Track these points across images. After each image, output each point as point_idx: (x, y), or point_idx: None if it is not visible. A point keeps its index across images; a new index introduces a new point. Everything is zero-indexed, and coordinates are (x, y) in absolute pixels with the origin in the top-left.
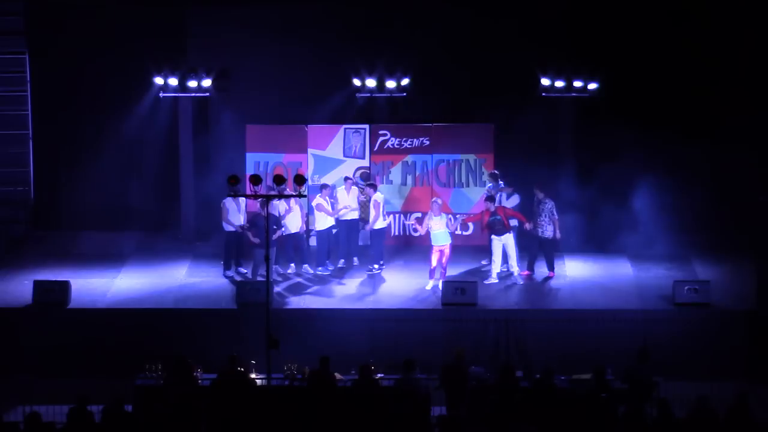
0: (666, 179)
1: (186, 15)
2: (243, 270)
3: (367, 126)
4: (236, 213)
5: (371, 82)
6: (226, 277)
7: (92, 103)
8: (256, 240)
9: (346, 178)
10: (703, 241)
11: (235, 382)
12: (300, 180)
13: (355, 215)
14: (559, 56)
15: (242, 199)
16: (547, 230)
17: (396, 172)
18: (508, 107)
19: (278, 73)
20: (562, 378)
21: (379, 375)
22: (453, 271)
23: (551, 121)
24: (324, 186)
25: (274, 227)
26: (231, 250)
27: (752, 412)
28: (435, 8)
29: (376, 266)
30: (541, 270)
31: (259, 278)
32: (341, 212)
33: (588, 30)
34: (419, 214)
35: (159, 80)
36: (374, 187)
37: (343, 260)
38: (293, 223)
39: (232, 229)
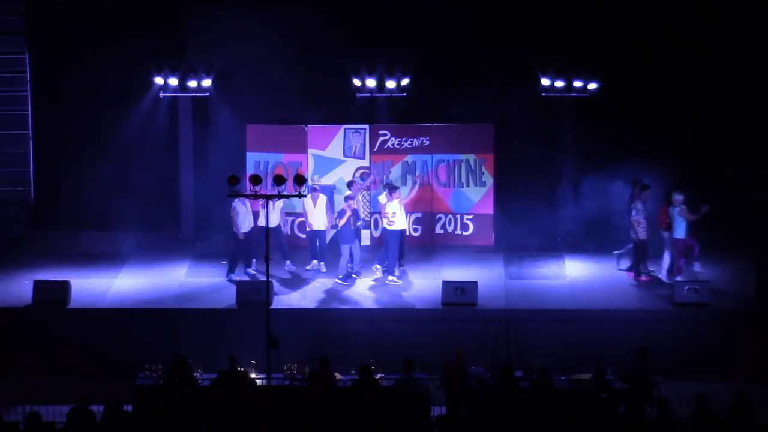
0: (666, 179)
1: (186, 15)
2: (251, 271)
3: (367, 126)
4: (246, 214)
5: (371, 82)
6: (230, 280)
7: (92, 103)
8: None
9: (393, 188)
10: (703, 241)
11: (235, 382)
12: (300, 180)
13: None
14: (559, 56)
15: (248, 201)
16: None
17: (396, 172)
18: (508, 107)
19: (278, 73)
20: (562, 378)
21: (379, 375)
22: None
23: (551, 121)
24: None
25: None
26: (240, 252)
27: (752, 412)
28: (435, 8)
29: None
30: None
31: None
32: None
33: (587, 30)
34: None
35: (159, 80)
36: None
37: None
38: (318, 221)
39: (243, 231)
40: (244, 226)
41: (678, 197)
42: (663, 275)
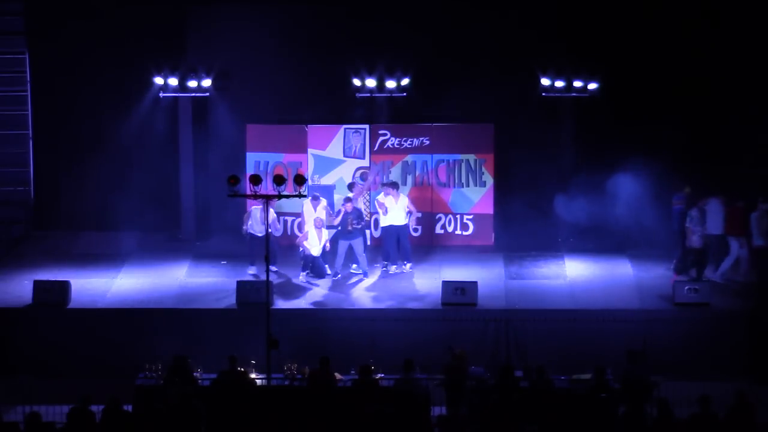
0: (666, 179)
1: (186, 15)
2: (253, 270)
3: (367, 126)
4: (258, 223)
5: (371, 82)
6: (250, 273)
7: (92, 103)
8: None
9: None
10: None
11: (235, 382)
12: (300, 180)
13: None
14: (559, 56)
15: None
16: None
17: (396, 172)
18: (508, 107)
19: (278, 72)
20: (562, 378)
21: (379, 375)
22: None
23: (551, 121)
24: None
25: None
26: (254, 249)
27: (753, 413)
28: (435, 8)
29: (408, 265)
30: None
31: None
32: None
33: (587, 30)
34: None
35: (159, 80)
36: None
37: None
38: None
39: (251, 232)
40: (254, 231)
41: (763, 206)
42: (717, 276)
